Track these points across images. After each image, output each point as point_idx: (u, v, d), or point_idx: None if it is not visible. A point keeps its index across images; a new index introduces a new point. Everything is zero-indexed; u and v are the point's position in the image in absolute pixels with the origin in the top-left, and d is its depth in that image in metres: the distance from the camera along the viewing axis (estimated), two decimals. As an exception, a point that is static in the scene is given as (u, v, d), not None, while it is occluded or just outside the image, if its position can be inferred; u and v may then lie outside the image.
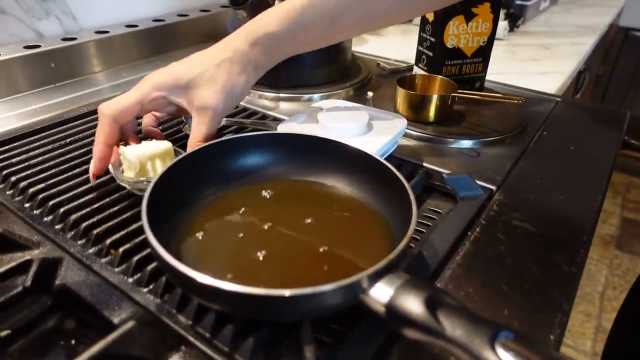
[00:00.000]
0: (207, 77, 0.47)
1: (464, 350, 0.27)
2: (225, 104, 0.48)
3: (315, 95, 0.78)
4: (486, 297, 0.40)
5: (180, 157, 0.44)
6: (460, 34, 0.71)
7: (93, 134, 0.62)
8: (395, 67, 0.92)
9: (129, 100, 0.48)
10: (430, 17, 0.71)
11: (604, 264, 1.96)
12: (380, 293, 0.32)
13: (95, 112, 0.69)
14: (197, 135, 0.49)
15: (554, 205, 0.53)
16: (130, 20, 0.96)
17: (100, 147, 0.47)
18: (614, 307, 1.75)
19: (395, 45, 1.15)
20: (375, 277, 0.32)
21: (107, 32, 0.88)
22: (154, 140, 0.50)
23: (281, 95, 0.77)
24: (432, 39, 0.72)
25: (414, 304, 0.30)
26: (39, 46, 0.78)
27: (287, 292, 0.30)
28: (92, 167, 0.48)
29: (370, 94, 0.79)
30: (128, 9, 0.96)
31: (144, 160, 0.47)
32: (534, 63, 1.05)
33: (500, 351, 0.26)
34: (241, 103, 0.74)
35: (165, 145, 0.49)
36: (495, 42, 0.76)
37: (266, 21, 0.49)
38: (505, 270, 0.43)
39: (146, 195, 0.38)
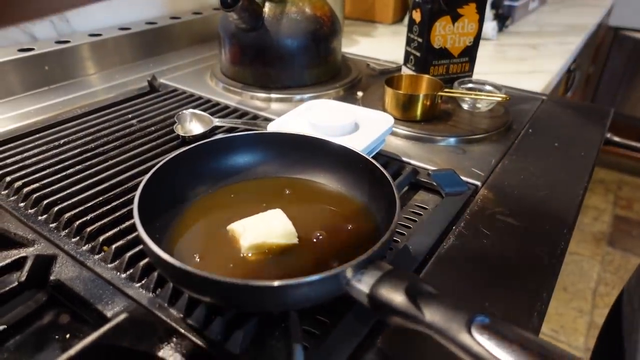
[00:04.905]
0: None
1: (443, 335, 0.29)
2: None
3: (306, 96, 0.79)
4: (468, 289, 0.41)
5: (171, 156, 0.46)
6: (446, 35, 0.73)
7: (87, 135, 0.63)
8: (384, 68, 0.93)
9: None
10: (418, 17, 0.73)
11: (596, 261, 1.98)
12: (364, 283, 0.33)
13: (90, 113, 0.70)
14: None
15: (537, 200, 0.54)
16: (123, 23, 0.97)
17: None
18: (605, 303, 1.77)
19: (385, 46, 1.17)
20: (358, 268, 0.33)
21: (100, 35, 0.89)
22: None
23: (272, 95, 0.79)
24: (420, 40, 0.73)
25: (394, 293, 0.31)
26: (32, 49, 0.79)
27: (275, 283, 0.31)
28: None
29: (359, 93, 0.81)
30: (121, 12, 0.97)
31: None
32: (522, 62, 1.07)
33: (476, 334, 0.28)
34: (233, 104, 0.75)
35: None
36: (485, 42, 0.78)
37: None
38: (488, 262, 0.44)
39: (138, 193, 0.39)
